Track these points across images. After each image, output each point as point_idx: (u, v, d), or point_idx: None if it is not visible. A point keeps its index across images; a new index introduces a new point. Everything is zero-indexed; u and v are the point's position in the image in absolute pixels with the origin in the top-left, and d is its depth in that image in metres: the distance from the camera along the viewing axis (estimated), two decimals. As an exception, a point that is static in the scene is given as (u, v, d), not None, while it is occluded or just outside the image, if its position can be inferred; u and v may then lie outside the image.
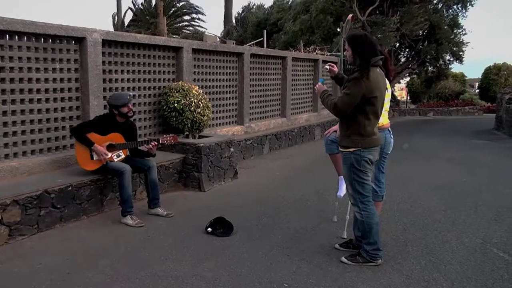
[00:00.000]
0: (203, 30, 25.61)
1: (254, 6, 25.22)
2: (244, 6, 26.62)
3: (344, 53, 3.46)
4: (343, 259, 3.46)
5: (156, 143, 4.59)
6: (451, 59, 18.89)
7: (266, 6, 24.23)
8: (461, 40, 18.15)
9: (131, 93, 5.27)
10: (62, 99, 5.09)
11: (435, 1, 17.48)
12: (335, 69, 3.60)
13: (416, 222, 4.42)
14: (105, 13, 53.93)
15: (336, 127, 4.00)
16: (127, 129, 4.67)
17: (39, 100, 4.82)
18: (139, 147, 4.68)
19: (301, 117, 10.55)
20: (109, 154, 4.45)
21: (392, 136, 4.03)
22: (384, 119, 3.92)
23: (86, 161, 4.47)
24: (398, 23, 14.69)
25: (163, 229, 4.23)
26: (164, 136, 4.72)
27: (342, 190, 4.24)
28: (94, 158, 4.45)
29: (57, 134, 5.05)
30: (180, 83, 6.43)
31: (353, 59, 3.31)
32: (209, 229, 4.06)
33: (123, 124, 4.64)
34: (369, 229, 3.36)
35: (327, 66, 3.60)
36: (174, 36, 23.67)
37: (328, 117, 11.39)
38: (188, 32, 26.32)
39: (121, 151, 4.53)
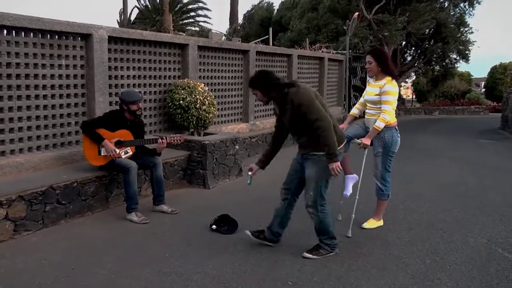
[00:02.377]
0: (209, 27, 25.66)
1: (265, 4, 25.19)
2: (254, 4, 26.64)
3: (256, 96, 3.55)
4: (306, 254, 3.50)
5: (164, 140, 4.59)
6: (457, 58, 18.75)
7: (274, 5, 24.22)
8: (467, 38, 18.00)
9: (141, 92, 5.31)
10: (68, 95, 5.10)
11: (441, -1, 17.37)
12: (254, 169, 3.82)
13: (421, 221, 4.40)
14: (112, 11, 54.03)
15: (342, 125, 4.02)
16: (135, 126, 4.68)
17: (44, 96, 4.84)
18: (146, 145, 4.69)
19: (306, 115, 10.50)
20: (117, 151, 4.46)
21: (399, 134, 4.02)
22: (391, 118, 3.93)
23: (93, 156, 4.47)
24: (405, 21, 14.59)
25: (168, 226, 4.23)
26: (172, 135, 4.72)
27: (348, 189, 4.24)
28: (102, 154, 4.45)
29: (62, 130, 5.07)
30: (185, 80, 6.44)
31: (267, 97, 3.47)
32: (214, 226, 4.07)
33: (131, 121, 4.65)
34: (327, 226, 3.49)
35: (249, 173, 3.77)
36: (180, 33, 23.69)
37: (334, 115, 11.32)
38: (194, 30, 26.34)
39: (128, 148, 4.54)
